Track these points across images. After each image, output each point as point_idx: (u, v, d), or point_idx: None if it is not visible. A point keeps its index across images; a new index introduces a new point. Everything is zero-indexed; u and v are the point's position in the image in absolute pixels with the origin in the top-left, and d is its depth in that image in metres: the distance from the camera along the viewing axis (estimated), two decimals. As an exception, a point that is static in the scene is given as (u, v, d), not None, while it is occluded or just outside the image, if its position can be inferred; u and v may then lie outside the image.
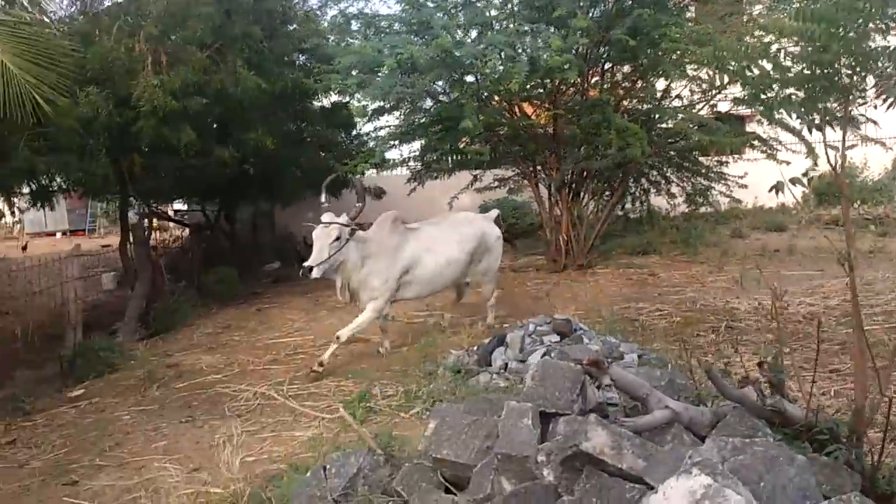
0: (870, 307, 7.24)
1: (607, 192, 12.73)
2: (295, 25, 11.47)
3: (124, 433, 5.47)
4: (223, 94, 9.37)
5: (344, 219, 6.41)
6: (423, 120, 11.07)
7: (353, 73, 9.61)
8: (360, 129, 13.97)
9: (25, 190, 10.40)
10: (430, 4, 10.09)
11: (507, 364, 5.64)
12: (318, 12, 12.19)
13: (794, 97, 3.13)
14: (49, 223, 24.81)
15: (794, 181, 3.04)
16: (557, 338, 5.73)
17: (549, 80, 10.54)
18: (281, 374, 6.73)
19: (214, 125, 9.90)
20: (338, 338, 6.51)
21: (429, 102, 11.14)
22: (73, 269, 7.62)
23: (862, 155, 17.16)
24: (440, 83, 10.45)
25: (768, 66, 3.39)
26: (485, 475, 2.44)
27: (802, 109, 3.09)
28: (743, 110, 12.48)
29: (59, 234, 24.85)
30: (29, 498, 4.31)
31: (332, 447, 4.39)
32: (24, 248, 20.48)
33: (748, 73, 3.41)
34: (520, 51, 8.84)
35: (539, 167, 12.08)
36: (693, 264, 11.57)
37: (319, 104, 13.19)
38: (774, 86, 3.19)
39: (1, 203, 12.93)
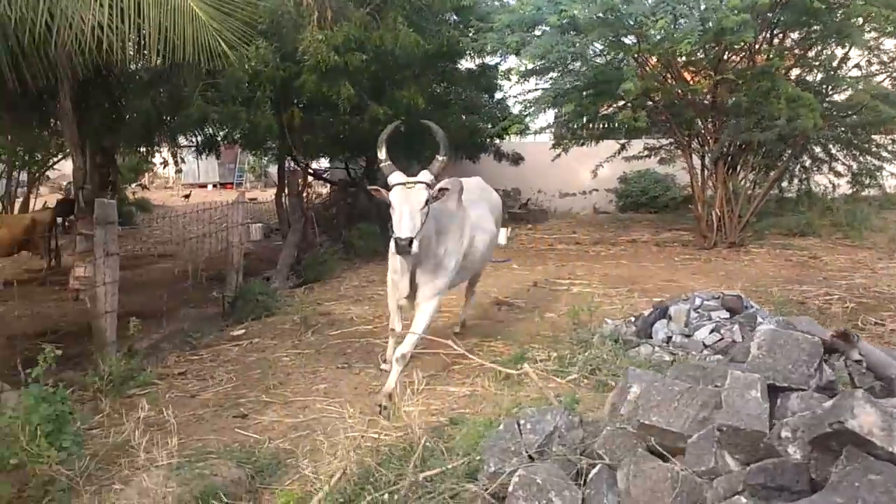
0: None
1: (766, 168, 11.94)
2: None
3: (285, 373, 5.66)
4: (381, 52, 9.44)
5: (427, 176, 4.70)
6: (577, 82, 10.71)
7: (511, 32, 9.42)
8: (507, 93, 13.79)
9: (190, 140, 11.00)
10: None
11: (670, 337, 5.37)
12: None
13: None
14: (201, 175, 26.37)
15: None
16: (727, 314, 5.40)
17: (714, 44, 9.92)
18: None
19: (369, 83, 10.00)
20: (401, 358, 4.90)
21: (579, 65, 10.78)
22: (238, 215, 7.96)
23: None
24: (597, 44, 10.08)
25: None
26: (704, 447, 2.26)
27: None
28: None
29: (209, 187, 26.39)
30: (203, 427, 4.53)
31: (491, 405, 4.36)
32: (188, 197, 21.95)
33: None
34: (692, 9, 8.29)
35: (695, 137, 11.46)
36: (859, 249, 10.70)
37: (466, 66, 13.08)
38: None
39: (167, 153, 13.80)
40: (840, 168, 12.43)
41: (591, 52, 10.32)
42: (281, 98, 9.52)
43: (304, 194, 11.49)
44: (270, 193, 17.17)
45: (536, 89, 12.36)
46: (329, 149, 11.99)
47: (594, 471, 2.37)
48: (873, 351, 2.17)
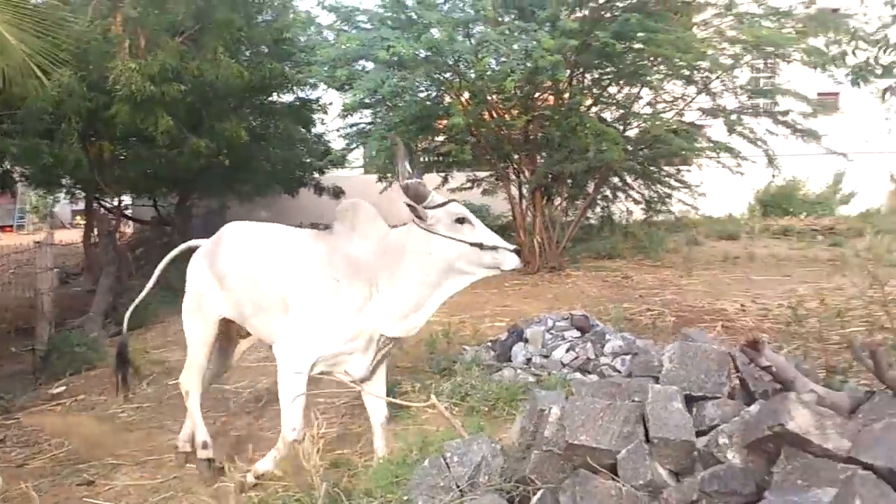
0: (854, 308, 7.49)
1: (574, 197, 12.89)
2: (271, 15, 11.15)
3: (127, 430, 5.12)
4: (199, 82, 8.99)
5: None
6: (402, 117, 10.91)
7: (336, 66, 9.41)
8: (327, 127, 13.76)
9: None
10: (412, 2, 9.96)
11: (529, 359, 5.56)
12: (295, 3, 11.92)
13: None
14: (-27, 217, 23.37)
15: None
16: (578, 333, 5.70)
17: (526, 83, 10.58)
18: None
19: (187, 114, 9.47)
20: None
21: (406, 100, 11.01)
22: (47, 259, 7.11)
23: (805, 169, 17.95)
24: (421, 80, 10.36)
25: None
26: (637, 461, 2.35)
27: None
28: (705, 121, 12.85)
29: (-17, 229, 23.42)
30: (45, 501, 3.96)
31: (367, 443, 4.24)
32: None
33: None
34: (515, 48, 8.79)
35: (513, 169, 12.10)
36: (660, 268, 11.81)
37: (287, 98, 12.86)
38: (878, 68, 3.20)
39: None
40: (636, 196, 13.68)
41: (415, 87, 10.59)
42: (89, 130, 8.72)
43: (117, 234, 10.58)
44: (61, 235, 15.58)
45: (359, 123, 12.46)
46: (143, 184, 11.16)
47: (536, 497, 2.37)
48: (776, 357, 2.39)
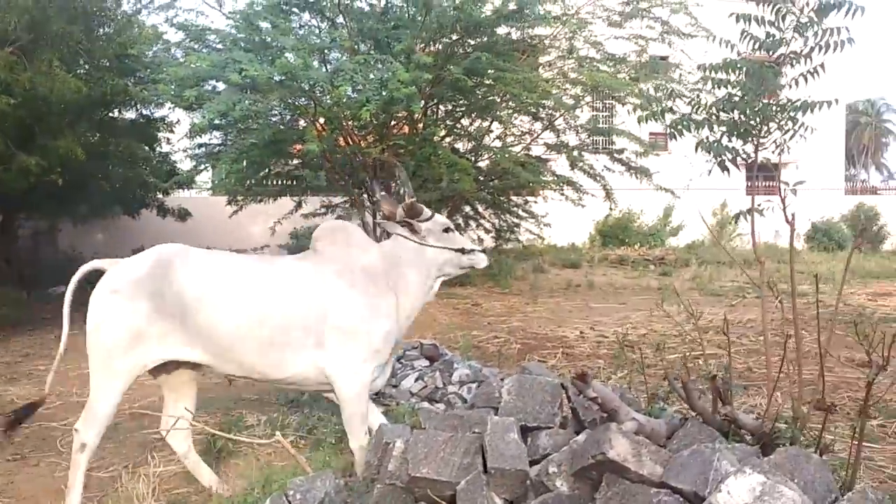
0: (678, 335, 8.15)
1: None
2: (113, 28, 10.59)
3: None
4: (32, 95, 8.38)
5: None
6: (254, 140, 10.69)
7: (184, 86, 9.10)
8: (173, 146, 13.21)
9: None
10: (266, 25, 9.85)
11: (379, 390, 5.58)
12: (141, 18, 11.40)
13: (709, 138, 3.50)
14: None
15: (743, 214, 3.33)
16: (427, 362, 5.80)
17: (382, 112, 10.74)
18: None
19: (16, 130, 8.77)
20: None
21: (260, 123, 10.81)
22: None
23: (640, 202, 19.36)
24: (275, 104, 10.23)
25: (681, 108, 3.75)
26: (474, 492, 2.44)
27: (724, 147, 3.45)
28: (550, 155, 13.58)
29: None
30: None
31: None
32: None
33: (669, 114, 3.74)
34: (370, 79, 8.90)
35: (368, 196, 12.15)
36: (508, 296, 12.26)
37: (130, 115, 12.23)
38: (692, 125, 3.54)
39: None
40: (487, 225, 14.17)
41: (269, 111, 10.43)
42: None
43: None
44: None
45: (208, 144, 12.07)
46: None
47: (378, 532, 2.40)
48: (602, 388, 2.58)
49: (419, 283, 4.05)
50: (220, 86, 9.91)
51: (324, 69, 9.45)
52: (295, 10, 10.94)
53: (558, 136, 12.50)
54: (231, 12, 10.45)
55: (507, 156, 11.06)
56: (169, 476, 4.38)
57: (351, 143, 11.32)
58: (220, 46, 10.16)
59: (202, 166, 11.84)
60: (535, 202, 14.39)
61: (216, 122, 9.64)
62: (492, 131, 12.49)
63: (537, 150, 13.06)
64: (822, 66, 3.31)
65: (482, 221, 14.22)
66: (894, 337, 2.58)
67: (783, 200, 2.97)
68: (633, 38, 11.81)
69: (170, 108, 11.97)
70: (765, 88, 3.34)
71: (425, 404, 5.25)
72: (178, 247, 3.75)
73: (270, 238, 15.72)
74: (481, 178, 12.41)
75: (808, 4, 3.30)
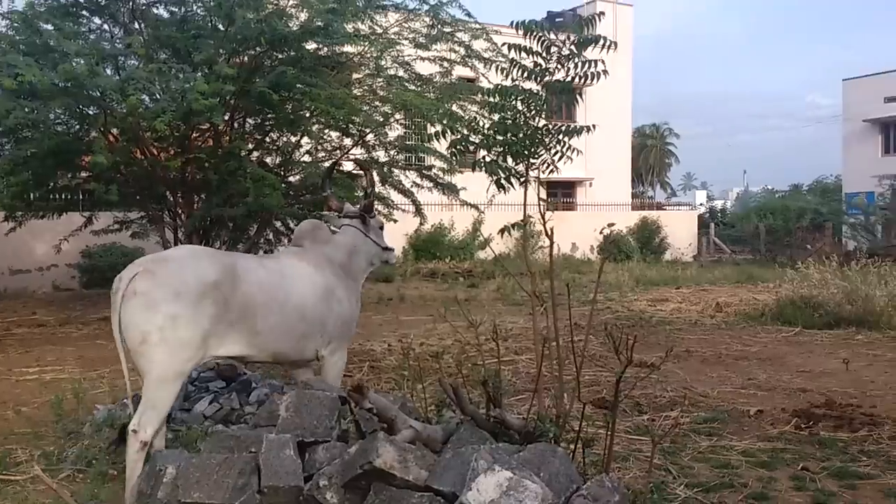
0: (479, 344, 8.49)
1: (236, 240, 12.72)
2: None
3: None
4: None
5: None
6: (33, 150, 9.77)
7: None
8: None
9: None
10: (49, 28, 9.10)
11: (169, 414, 5.30)
12: None
13: (486, 158, 3.71)
14: None
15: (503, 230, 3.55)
16: (223, 383, 5.61)
17: (183, 124, 10.27)
18: None
19: None
20: None
21: (39, 133, 9.91)
22: None
23: (450, 217, 20.02)
24: (59, 112, 9.45)
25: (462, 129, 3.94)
26: (246, 512, 2.41)
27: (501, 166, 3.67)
28: (356, 171, 13.67)
29: None
30: None
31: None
32: None
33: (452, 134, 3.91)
34: (165, 89, 8.48)
35: (168, 211, 11.54)
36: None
37: None
38: (470, 146, 3.74)
39: None
40: (298, 240, 13.97)
41: (51, 120, 9.60)
42: None
43: None
44: None
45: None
46: None
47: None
48: (379, 399, 2.64)
49: (364, 271, 4.88)
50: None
51: (117, 77, 8.86)
52: (84, 13, 10.21)
53: (369, 152, 12.63)
54: (7, 12, 9.53)
55: (317, 171, 10.98)
56: None
57: (148, 155, 10.71)
58: (-4, 49, 9.22)
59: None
60: (348, 217, 14.42)
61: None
62: (301, 146, 12.35)
63: (348, 166, 13.10)
64: (580, 94, 3.65)
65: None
66: (635, 338, 2.89)
67: (542, 216, 3.23)
68: (438, 60, 12.23)
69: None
70: (534, 113, 3.62)
71: (220, 427, 5.07)
72: (219, 253, 4.37)
73: (57, 257, 14.46)
74: (291, 193, 12.22)
75: (569, 38, 3.62)
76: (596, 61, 3.70)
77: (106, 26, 10.75)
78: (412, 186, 13.05)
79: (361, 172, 13.95)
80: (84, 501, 2.88)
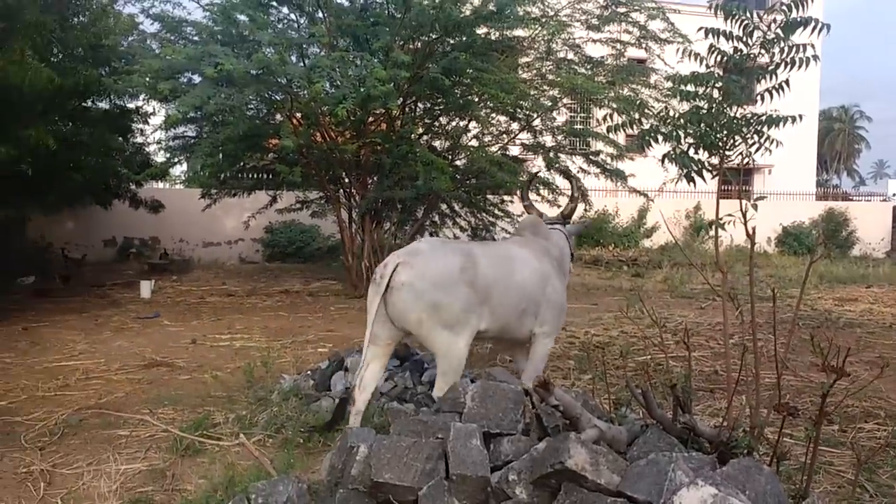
0: (647, 337, 8.24)
1: (403, 222, 13.15)
2: (88, 18, 10.45)
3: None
4: (3, 85, 8.24)
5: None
6: (229, 134, 10.61)
7: (160, 79, 9.01)
8: (147, 138, 13.07)
9: None
10: (243, 19, 9.78)
11: (348, 388, 5.58)
12: (117, 7, 11.25)
13: (676, 150, 3.55)
14: None
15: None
16: (397, 361, 5.82)
17: (359, 109, 10.71)
18: (80, 401, 6.01)
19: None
20: None
21: (234, 118, 10.74)
22: None
23: (615, 203, 19.51)
24: (251, 98, 10.17)
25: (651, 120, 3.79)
26: (436, 497, 2.47)
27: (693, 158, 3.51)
28: (528, 155, 13.63)
29: None
30: None
31: (173, 480, 4.08)
32: None
33: (640, 124, 3.78)
34: (348, 75, 8.88)
35: (344, 192, 12.13)
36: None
37: (101, 107, 12.08)
38: (659, 136, 3.59)
39: None
40: (463, 223, 14.20)
41: (244, 106, 10.36)
42: None
43: None
44: None
45: (183, 137, 11.97)
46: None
47: (339, 536, 2.42)
48: (563, 395, 2.62)
49: (567, 273, 5.24)
50: (197, 78, 9.84)
51: (301, 64, 9.40)
52: (273, 3, 10.88)
53: (535, 137, 12.55)
54: (208, 4, 10.36)
55: (483, 155, 11.08)
56: (133, 474, 4.36)
57: (327, 139, 11.28)
58: (196, 39, 10.08)
59: (176, 159, 11.73)
60: (512, 202, 14.43)
61: (190, 115, 9.57)
62: (469, 130, 12.51)
63: (514, 151, 13.10)
64: (787, 82, 3.37)
65: (458, 220, 14.25)
66: (848, 350, 2.65)
67: (744, 214, 3.03)
68: (611, 42, 11.88)
69: (144, 99, 11.84)
70: (731, 102, 3.40)
71: (395, 404, 5.28)
72: (451, 241, 4.80)
73: (244, 232, 15.65)
74: (458, 177, 12.42)
75: (774, 21, 3.36)
76: (804, 45, 3.41)
77: (292, 16, 11.41)
78: (578, 172, 12.81)
79: (528, 157, 14.04)
80: (281, 468, 3.10)
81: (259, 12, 9.80)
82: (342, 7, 10.89)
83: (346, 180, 12.08)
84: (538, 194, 13.23)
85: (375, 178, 11.78)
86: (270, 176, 12.30)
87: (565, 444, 2.21)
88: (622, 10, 11.43)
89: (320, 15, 10.76)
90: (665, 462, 2.09)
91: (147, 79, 9.05)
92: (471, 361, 6.84)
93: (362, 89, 8.96)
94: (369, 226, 11.80)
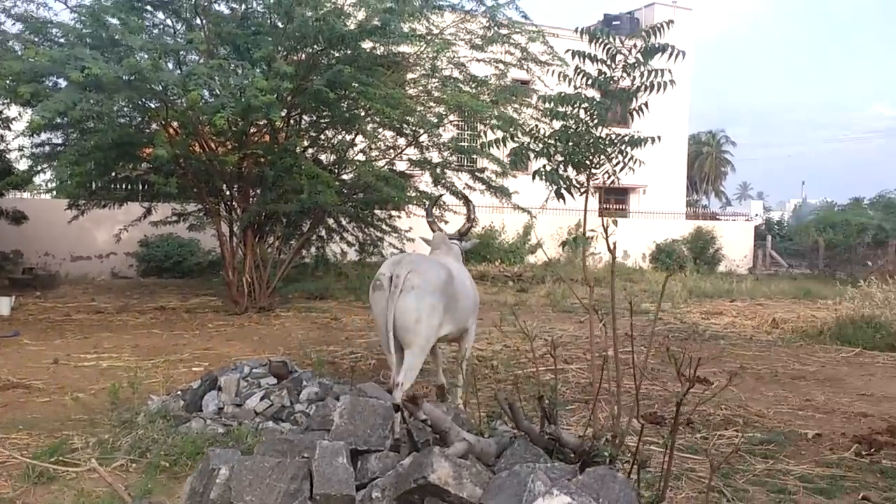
0: (533, 352, 8.42)
1: (289, 236, 12.88)
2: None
3: None
4: None
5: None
6: (97, 142, 10.03)
7: (23, 80, 8.43)
8: (9, 144, 12.20)
9: None
10: (115, 22, 9.33)
11: (221, 408, 5.37)
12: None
13: (546, 167, 3.64)
14: None
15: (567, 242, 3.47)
16: (275, 380, 5.65)
17: (240, 119, 10.42)
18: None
19: None
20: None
21: (103, 125, 10.17)
22: None
23: (500, 220, 19.92)
24: (122, 105, 9.69)
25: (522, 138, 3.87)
26: (299, 518, 2.39)
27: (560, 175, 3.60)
28: (415, 171, 13.68)
29: None
30: None
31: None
32: None
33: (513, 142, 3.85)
34: (225, 84, 8.62)
35: (224, 205, 11.74)
36: (369, 310, 12.15)
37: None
38: (531, 154, 3.67)
39: None
40: (350, 238, 14.07)
41: (114, 112, 9.85)
42: None
43: None
44: None
45: (49, 143, 11.26)
46: None
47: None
48: (433, 410, 2.61)
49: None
50: (63, 82, 9.26)
51: (178, 72, 9.05)
52: (148, 8, 10.45)
53: (422, 153, 12.63)
54: (77, 6, 9.81)
55: (370, 170, 11.04)
56: None
57: (206, 149, 10.91)
58: (63, 41, 9.51)
59: (40, 167, 10.98)
60: (399, 217, 14.44)
61: (56, 120, 9.00)
62: (356, 145, 12.45)
63: (401, 166, 13.13)
64: (646, 105, 3.55)
65: (346, 235, 14.11)
66: (699, 360, 2.79)
67: (605, 230, 3.14)
68: (494, 62, 12.17)
69: (4, 103, 11.04)
70: (597, 122, 3.54)
71: (270, 424, 5.12)
72: (425, 256, 5.74)
73: (117, 245, 14.85)
74: (345, 192, 12.30)
75: (635, 46, 3.53)
76: (663, 70, 3.60)
77: (169, 21, 11.00)
78: (464, 188, 12.99)
79: (415, 173, 14.09)
80: (137, 495, 2.92)
81: (132, 16, 9.36)
82: (221, 15, 10.60)
83: (227, 192, 11.71)
84: (425, 209, 13.33)
85: (258, 191, 11.49)
86: (145, 187, 11.74)
87: (429, 458, 2.19)
88: (504, 31, 11.73)
89: (198, 22, 10.42)
90: (525, 473, 2.12)
91: (7, 81, 8.44)
92: (353, 377, 6.77)
93: (243, 99, 8.72)
94: (251, 240, 11.48)
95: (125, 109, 10.17)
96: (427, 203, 7.74)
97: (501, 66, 12.18)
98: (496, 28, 11.69)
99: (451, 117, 12.34)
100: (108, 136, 9.69)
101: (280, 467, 2.53)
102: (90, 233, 15.69)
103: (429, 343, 5.08)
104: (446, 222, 13.54)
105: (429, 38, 11.37)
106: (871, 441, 5.57)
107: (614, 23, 27.81)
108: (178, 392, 5.83)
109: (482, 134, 5.47)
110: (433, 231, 6.32)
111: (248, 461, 2.56)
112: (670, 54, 3.53)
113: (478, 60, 12.10)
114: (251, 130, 11.36)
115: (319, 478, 2.42)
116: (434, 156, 12.88)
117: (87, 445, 4.98)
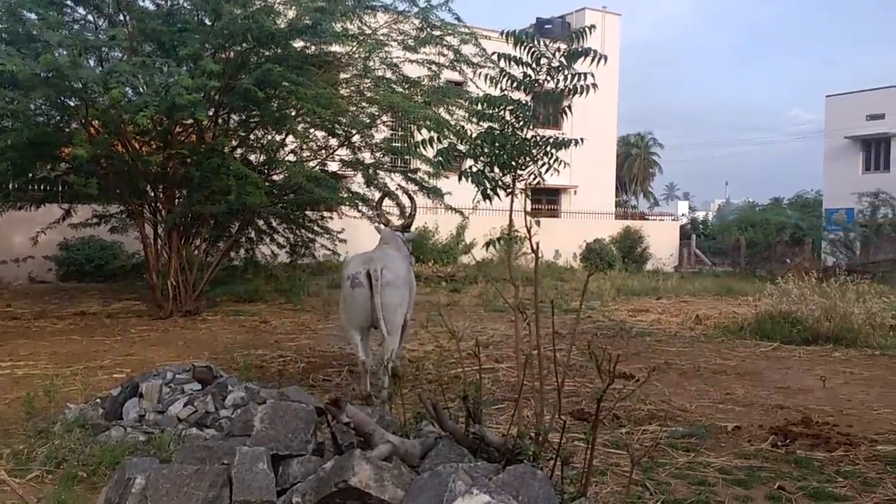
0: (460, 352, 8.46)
1: (217, 238, 12.60)
2: None
3: None
4: None
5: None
6: (11, 141, 9.59)
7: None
8: None
9: None
10: (32, 17, 8.95)
11: (143, 415, 5.21)
12: None
13: (472, 168, 3.66)
14: None
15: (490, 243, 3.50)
16: (199, 385, 5.51)
17: (165, 118, 10.13)
18: None
19: None
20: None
21: (17, 123, 9.73)
22: None
23: (434, 221, 19.95)
24: (39, 103, 9.30)
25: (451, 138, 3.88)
26: (218, 526, 2.34)
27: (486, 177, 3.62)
28: (347, 171, 13.57)
29: None
30: None
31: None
32: None
33: (439, 143, 3.86)
34: (149, 82, 8.37)
35: (148, 206, 11.39)
36: (300, 312, 12.05)
37: None
38: (457, 155, 3.69)
39: None
40: (280, 240, 13.85)
41: (31, 110, 9.44)
42: None
43: None
44: None
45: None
46: None
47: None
48: (356, 412, 2.59)
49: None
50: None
51: (100, 69, 8.73)
52: (69, 3, 10.06)
53: (355, 154, 12.54)
54: (-9, 0, 9.36)
55: (301, 171, 10.89)
56: None
57: (129, 149, 10.56)
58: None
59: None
60: (332, 218, 14.30)
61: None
62: (286, 145, 12.26)
63: (334, 167, 13.01)
64: (570, 107, 3.61)
65: (276, 236, 13.89)
66: (618, 356, 2.85)
67: (528, 230, 3.18)
68: (427, 63, 12.18)
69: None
70: (523, 124, 3.58)
71: (194, 430, 4.99)
72: (393, 252, 6.42)
73: (34, 249, 14.23)
74: (275, 193, 12.11)
75: (559, 50, 3.59)
76: (585, 74, 3.67)
77: (90, 17, 10.61)
78: (397, 189, 12.96)
79: (347, 173, 13.98)
80: (50, 507, 2.80)
81: (51, 11, 8.99)
82: (146, 11, 10.29)
83: (152, 193, 11.36)
84: (358, 210, 13.25)
85: (184, 192, 11.19)
86: (64, 188, 11.29)
87: (350, 461, 2.18)
88: (437, 32, 11.76)
89: (122, 18, 10.09)
90: (447, 473, 2.13)
91: None
92: (281, 381, 6.67)
93: (167, 97, 8.48)
94: (177, 242, 11.17)
95: (43, 107, 9.76)
96: (374, 201, 8.65)
97: (434, 67, 12.20)
98: (429, 29, 11.71)
99: (384, 118, 12.30)
100: (25, 134, 9.27)
101: (198, 475, 2.47)
102: (5, 236, 14.99)
103: (400, 325, 6.13)
104: (369, 218, 13.53)
105: (361, 38, 11.31)
106: (787, 432, 5.81)
107: (546, 26, 28.22)
108: (98, 400, 5.62)
109: (411, 134, 5.61)
110: (382, 225, 7.02)
111: (165, 469, 2.49)
112: (593, 58, 3.60)
113: (411, 61, 12.09)
114: (177, 130, 11.06)
115: (239, 484, 2.37)
116: (367, 156, 12.81)
117: (1, 457, 4.76)
